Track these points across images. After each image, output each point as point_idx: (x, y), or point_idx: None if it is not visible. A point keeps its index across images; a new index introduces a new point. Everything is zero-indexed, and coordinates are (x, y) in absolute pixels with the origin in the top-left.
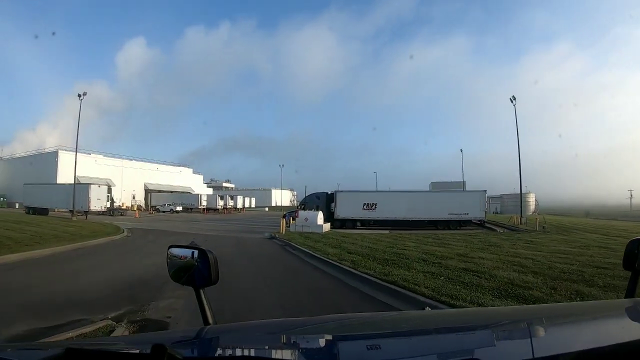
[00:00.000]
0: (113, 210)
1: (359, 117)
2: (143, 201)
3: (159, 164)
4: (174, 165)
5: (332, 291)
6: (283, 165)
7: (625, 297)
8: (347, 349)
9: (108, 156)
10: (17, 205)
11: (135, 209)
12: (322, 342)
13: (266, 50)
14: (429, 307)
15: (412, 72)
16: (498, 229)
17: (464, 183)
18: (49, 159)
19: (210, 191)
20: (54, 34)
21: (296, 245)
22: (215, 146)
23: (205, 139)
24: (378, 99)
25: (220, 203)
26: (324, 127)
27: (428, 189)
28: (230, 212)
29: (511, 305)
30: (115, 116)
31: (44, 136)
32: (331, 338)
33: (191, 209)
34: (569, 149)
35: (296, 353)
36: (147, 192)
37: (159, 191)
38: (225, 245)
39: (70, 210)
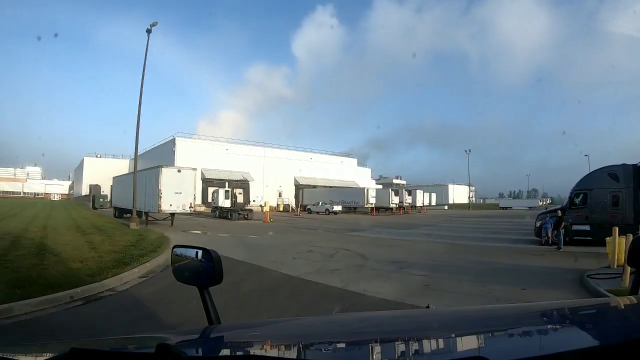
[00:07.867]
0: (231, 212)
1: (559, 99)
2: (292, 199)
3: (313, 152)
4: (333, 155)
5: None
6: (470, 150)
7: (629, 294)
8: (350, 347)
9: (246, 144)
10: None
11: (267, 209)
12: (325, 341)
13: (463, 22)
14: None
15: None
16: None
17: None
18: (167, 149)
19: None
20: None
21: None
22: (389, 138)
23: (380, 131)
24: (586, 75)
25: (395, 200)
26: (517, 114)
27: None
28: (407, 212)
29: None
30: (291, 108)
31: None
32: (335, 337)
33: (355, 208)
34: None
35: (299, 352)
36: (298, 187)
37: (313, 186)
38: None
39: (143, 212)
